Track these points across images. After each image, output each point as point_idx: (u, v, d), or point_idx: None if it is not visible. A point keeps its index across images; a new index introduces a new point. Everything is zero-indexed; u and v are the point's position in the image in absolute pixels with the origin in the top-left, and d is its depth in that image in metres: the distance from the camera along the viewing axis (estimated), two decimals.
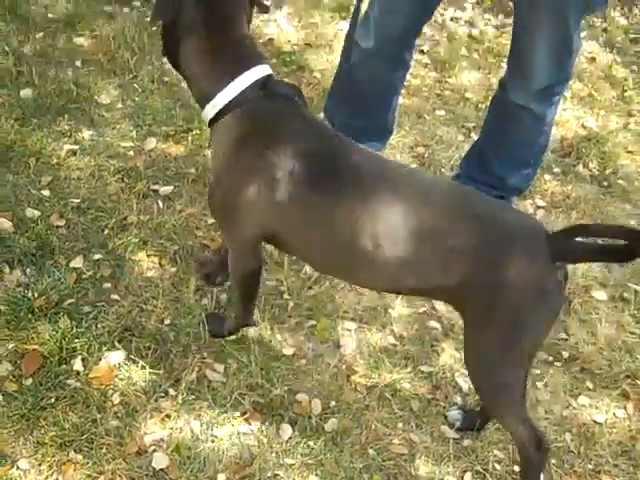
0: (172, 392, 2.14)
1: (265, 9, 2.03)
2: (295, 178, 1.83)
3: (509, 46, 2.54)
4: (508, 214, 1.88)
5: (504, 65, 3.79)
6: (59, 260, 2.42)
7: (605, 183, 3.30)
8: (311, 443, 2.10)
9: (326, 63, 3.53)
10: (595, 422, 2.31)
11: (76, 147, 2.82)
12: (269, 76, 1.91)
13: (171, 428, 2.06)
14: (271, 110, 1.88)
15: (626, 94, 3.92)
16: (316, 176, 1.84)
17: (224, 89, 1.87)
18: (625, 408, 2.37)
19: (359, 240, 1.83)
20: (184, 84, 3.14)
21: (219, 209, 2.01)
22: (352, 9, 2.68)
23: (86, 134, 2.89)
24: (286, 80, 2.10)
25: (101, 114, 3.00)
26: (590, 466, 2.19)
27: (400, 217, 1.81)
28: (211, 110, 1.91)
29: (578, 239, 1.80)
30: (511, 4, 4.16)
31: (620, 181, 3.33)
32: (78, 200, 2.62)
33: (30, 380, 2.08)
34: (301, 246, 2.00)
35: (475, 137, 3.36)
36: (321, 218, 1.87)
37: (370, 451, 2.12)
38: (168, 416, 2.08)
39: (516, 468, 2.11)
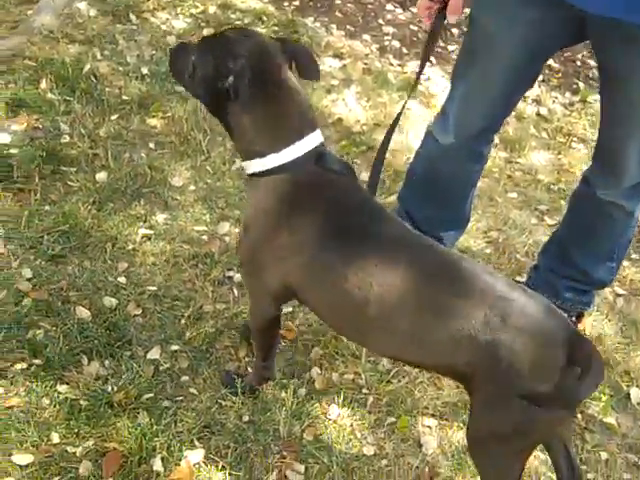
0: None
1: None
2: (323, 243, 1.90)
3: (596, 141, 2.46)
4: (531, 301, 1.81)
5: (574, 145, 3.82)
6: (137, 352, 2.39)
7: None
8: None
9: (396, 143, 3.49)
10: None
11: (151, 232, 2.81)
12: (323, 149, 1.98)
13: None
14: (318, 180, 1.95)
15: None
16: (343, 242, 1.90)
17: (278, 152, 1.92)
18: None
19: (372, 306, 1.86)
20: None
21: (247, 258, 2.08)
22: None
23: (160, 218, 2.89)
24: (337, 156, 2.11)
25: (174, 197, 2.99)
26: None
27: (414, 289, 1.84)
28: (259, 166, 1.96)
29: None
30: (580, 84, 4.22)
31: None
32: (154, 288, 2.60)
33: None
34: (318, 304, 2.05)
35: (549, 221, 3.32)
36: (340, 280, 1.90)
37: None
38: None
39: None
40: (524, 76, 2.37)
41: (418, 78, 2.35)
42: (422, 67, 2.33)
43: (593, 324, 2.86)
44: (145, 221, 2.86)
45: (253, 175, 1.99)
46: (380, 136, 3.51)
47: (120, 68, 3.58)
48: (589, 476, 2.33)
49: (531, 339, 1.75)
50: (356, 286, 1.88)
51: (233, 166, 3.19)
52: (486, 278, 1.84)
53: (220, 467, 2.13)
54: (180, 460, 2.11)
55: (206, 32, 3.91)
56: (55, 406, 2.18)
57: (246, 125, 1.92)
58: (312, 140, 1.95)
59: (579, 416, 2.51)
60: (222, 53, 1.89)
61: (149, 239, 2.79)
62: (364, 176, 3.26)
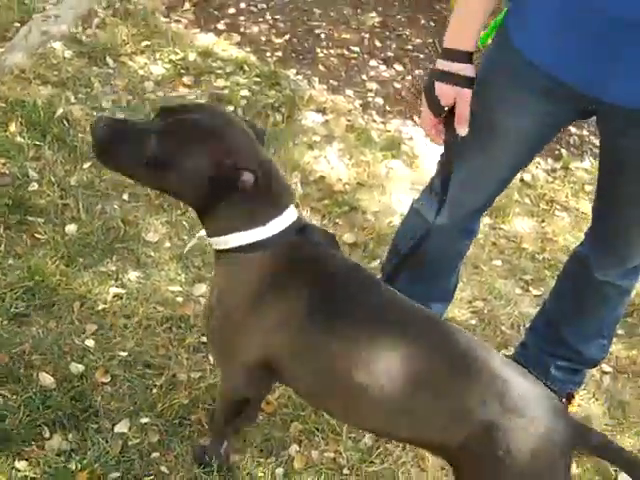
0: None
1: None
2: (312, 318, 1.79)
3: (592, 221, 2.36)
4: (527, 383, 1.75)
5: (557, 213, 3.74)
6: (104, 424, 2.22)
7: None
8: None
9: (379, 204, 3.39)
10: None
11: (122, 291, 2.64)
12: (303, 220, 1.87)
13: None
14: (302, 253, 1.83)
15: None
16: (334, 316, 1.80)
17: (262, 226, 1.77)
18: None
19: (362, 382, 1.76)
20: None
21: (223, 335, 1.93)
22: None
23: (132, 276, 2.72)
24: (319, 227, 1.99)
25: (148, 254, 2.83)
26: None
27: (408, 365, 1.76)
28: (236, 241, 1.78)
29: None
30: (562, 150, 4.16)
31: None
32: (125, 353, 2.43)
33: None
34: (302, 382, 1.94)
35: (534, 291, 3.23)
36: (330, 357, 1.80)
37: None
38: None
39: None
40: (529, 157, 2.27)
41: (441, 204, 2.17)
42: (444, 190, 2.15)
43: (581, 403, 2.75)
44: (117, 279, 2.69)
45: (227, 251, 1.82)
46: (363, 196, 3.44)
47: (94, 113, 3.42)
48: None
49: (531, 425, 1.67)
50: (346, 362, 1.77)
51: None
52: (482, 354, 1.76)
53: None
54: None
55: (186, 79, 3.80)
56: None
57: (227, 205, 1.76)
58: (292, 212, 1.83)
59: None
60: (217, 145, 1.71)
61: (120, 299, 2.62)
62: (347, 237, 3.16)
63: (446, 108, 1.99)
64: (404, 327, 1.81)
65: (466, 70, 1.94)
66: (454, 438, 1.72)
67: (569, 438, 1.70)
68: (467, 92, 1.95)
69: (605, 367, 2.94)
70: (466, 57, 1.94)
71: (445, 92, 1.95)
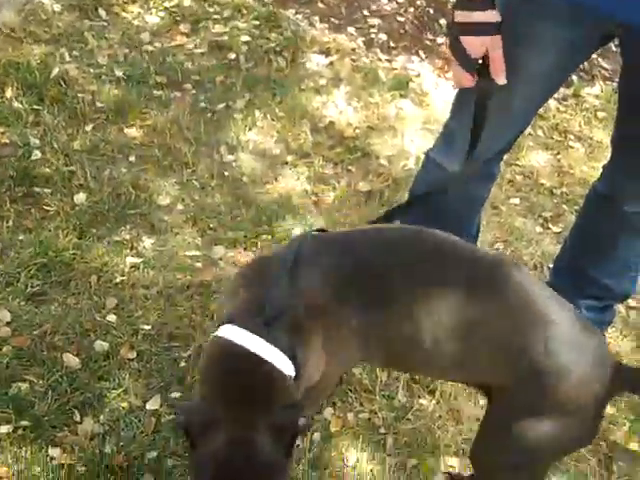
0: None
1: None
2: (367, 311, 1.71)
3: (611, 153, 2.25)
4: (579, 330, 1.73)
5: (571, 144, 3.65)
6: (134, 402, 2.17)
7: None
8: None
9: (392, 148, 3.29)
10: None
11: (139, 260, 2.57)
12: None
13: None
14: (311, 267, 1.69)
15: None
16: (380, 296, 1.73)
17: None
18: None
19: (419, 335, 1.71)
20: (246, 178, 2.99)
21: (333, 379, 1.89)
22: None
23: (147, 243, 2.65)
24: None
25: (162, 218, 2.75)
26: None
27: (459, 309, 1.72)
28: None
29: None
30: (573, 76, 4.03)
31: None
32: (148, 327, 2.37)
33: None
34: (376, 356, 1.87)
35: (554, 228, 3.16)
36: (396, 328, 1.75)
37: None
38: None
39: None
40: (553, 91, 2.18)
41: (471, 154, 2.06)
42: (475, 140, 2.01)
43: (610, 341, 2.72)
44: (132, 248, 2.62)
45: None
46: (375, 140, 3.33)
47: (91, 70, 3.30)
48: None
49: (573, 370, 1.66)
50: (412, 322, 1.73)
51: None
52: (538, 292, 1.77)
53: None
54: None
55: (183, 27, 3.65)
56: (48, 474, 1.96)
57: None
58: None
59: (602, 444, 2.36)
60: None
61: (138, 269, 2.55)
62: (362, 186, 3.08)
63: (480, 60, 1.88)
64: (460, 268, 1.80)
65: (491, 16, 1.81)
66: (499, 378, 1.72)
67: (609, 382, 1.67)
68: (497, 38, 1.81)
69: (630, 302, 2.90)
70: (487, 3, 1.80)
71: (474, 44, 1.81)
